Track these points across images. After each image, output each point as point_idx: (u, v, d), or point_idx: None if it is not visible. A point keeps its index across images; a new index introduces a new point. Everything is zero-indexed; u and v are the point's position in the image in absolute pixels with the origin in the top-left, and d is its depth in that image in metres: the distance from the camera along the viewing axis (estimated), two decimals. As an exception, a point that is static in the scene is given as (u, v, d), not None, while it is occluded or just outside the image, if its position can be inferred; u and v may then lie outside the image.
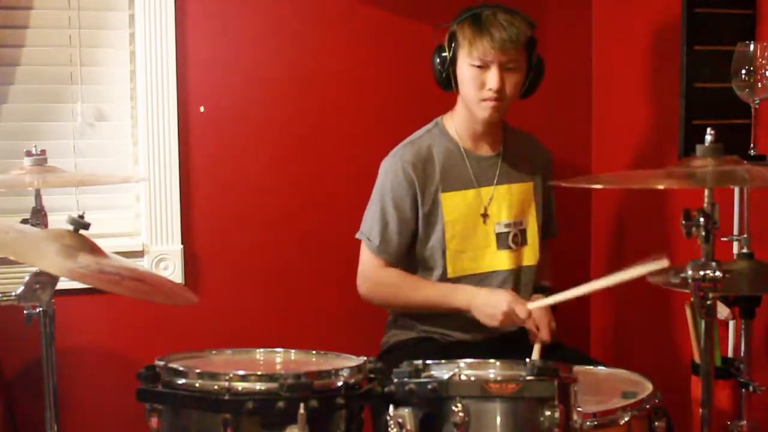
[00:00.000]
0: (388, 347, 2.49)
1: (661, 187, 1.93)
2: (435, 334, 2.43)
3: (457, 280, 2.39)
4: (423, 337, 2.44)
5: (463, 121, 2.42)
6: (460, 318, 2.37)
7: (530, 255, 2.46)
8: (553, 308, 2.37)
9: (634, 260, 2.90)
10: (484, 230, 2.41)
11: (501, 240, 2.42)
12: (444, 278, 2.39)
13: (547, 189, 2.53)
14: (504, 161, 2.45)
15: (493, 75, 2.28)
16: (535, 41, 2.33)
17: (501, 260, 2.41)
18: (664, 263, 1.83)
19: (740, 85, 2.11)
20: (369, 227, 2.42)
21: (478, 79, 2.30)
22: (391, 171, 2.39)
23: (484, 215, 2.41)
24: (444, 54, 2.34)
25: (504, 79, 2.29)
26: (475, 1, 2.37)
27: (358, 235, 2.44)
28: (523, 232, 2.46)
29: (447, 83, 2.36)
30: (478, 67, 2.29)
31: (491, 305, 2.27)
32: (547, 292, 2.45)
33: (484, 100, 2.30)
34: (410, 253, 2.42)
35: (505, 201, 2.43)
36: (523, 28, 2.28)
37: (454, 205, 2.39)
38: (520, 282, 2.44)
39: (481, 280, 2.40)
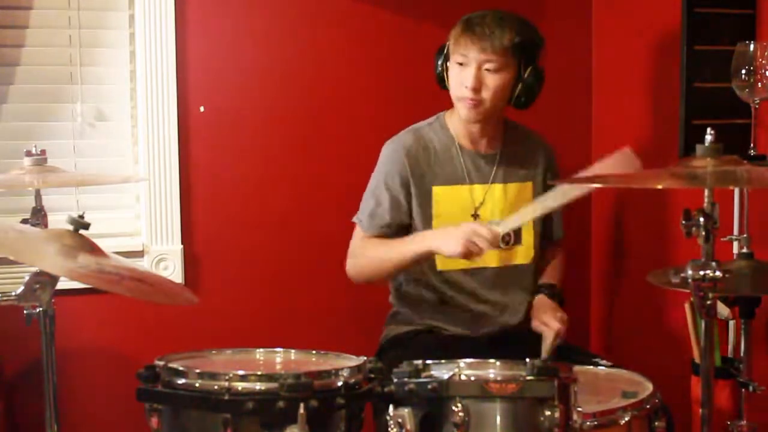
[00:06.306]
0: (387, 341, 2.49)
1: (660, 187, 1.93)
2: (434, 327, 2.43)
3: (446, 273, 2.40)
4: (421, 330, 2.44)
5: (458, 119, 2.42)
6: (459, 313, 2.40)
7: (523, 254, 2.45)
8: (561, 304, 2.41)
9: (634, 260, 2.93)
10: None
11: None
12: (434, 270, 2.40)
13: (549, 188, 2.52)
14: (502, 160, 2.44)
15: (468, 73, 2.29)
16: (530, 49, 2.31)
17: (490, 257, 2.38)
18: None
19: (740, 85, 2.11)
20: (362, 208, 2.43)
21: (458, 76, 2.32)
22: (388, 156, 2.42)
23: (475, 216, 2.41)
24: (442, 53, 2.37)
25: (481, 79, 2.28)
26: (476, 4, 2.38)
27: (354, 219, 2.44)
28: (517, 231, 2.45)
29: (442, 82, 2.38)
30: (460, 64, 2.31)
31: (451, 232, 2.20)
32: (552, 290, 2.46)
33: (462, 98, 2.32)
34: None
35: (499, 200, 2.43)
36: (510, 32, 2.26)
37: (444, 198, 2.39)
38: (510, 279, 2.44)
39: (471, 274, 2.41)
